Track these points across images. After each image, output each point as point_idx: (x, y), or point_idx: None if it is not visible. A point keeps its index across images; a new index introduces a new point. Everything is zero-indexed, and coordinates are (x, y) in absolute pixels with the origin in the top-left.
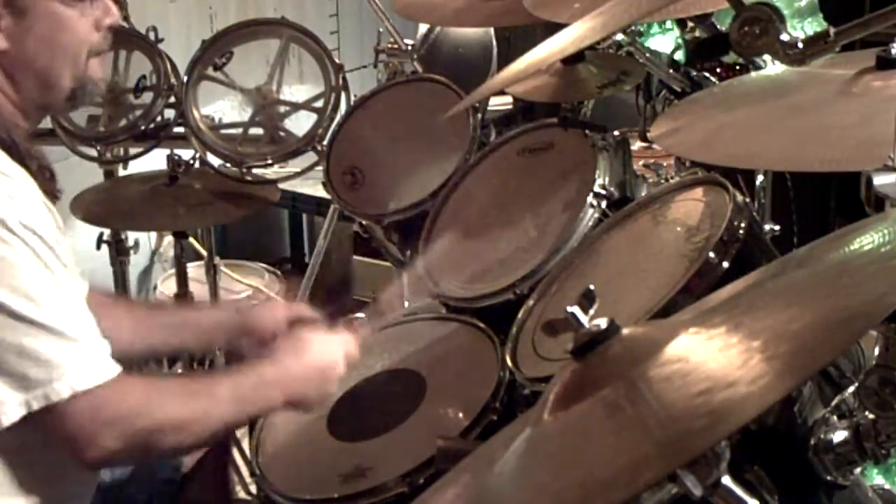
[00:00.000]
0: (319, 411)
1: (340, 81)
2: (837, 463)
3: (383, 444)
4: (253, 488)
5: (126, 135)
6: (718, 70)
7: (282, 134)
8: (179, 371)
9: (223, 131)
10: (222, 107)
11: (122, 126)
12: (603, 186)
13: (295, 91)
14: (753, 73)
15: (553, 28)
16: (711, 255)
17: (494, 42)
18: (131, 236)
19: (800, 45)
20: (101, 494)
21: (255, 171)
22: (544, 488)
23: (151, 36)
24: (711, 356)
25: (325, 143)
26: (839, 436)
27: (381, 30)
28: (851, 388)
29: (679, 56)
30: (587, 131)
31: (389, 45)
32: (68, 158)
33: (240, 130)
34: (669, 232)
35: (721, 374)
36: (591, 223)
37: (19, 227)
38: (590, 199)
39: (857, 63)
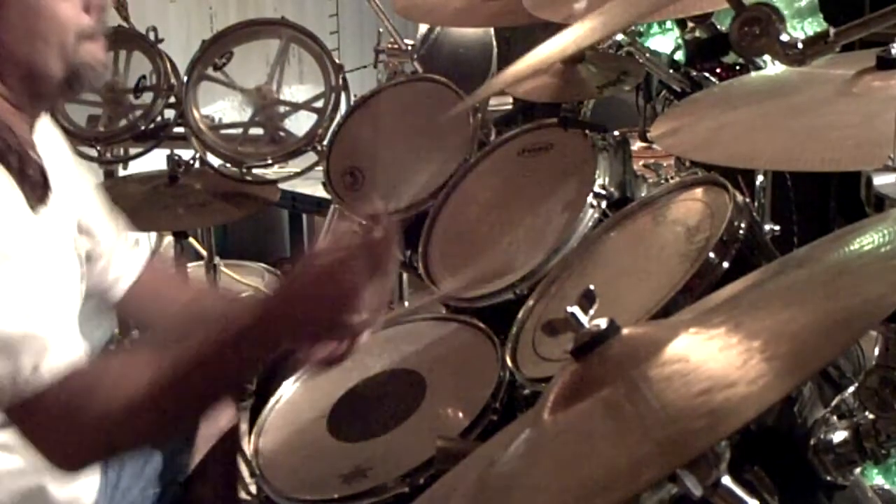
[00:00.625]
0: (320, 412)
1: (340, 81)
2: (837, 463)
3: (383, 444)
4: (253, 488)
5: (126, 135)
6: (718, 70)
7: (282, 134)
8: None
9: (223, 131)
10: (222, 107)
11: (122, 126)
12: (603, 186)
13: (295, 91)
14: (753, 73)
15: (553, 28)
16: (711, 255)
17: (494, 42)
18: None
19: (800, 45)
20: (106, 494)
21: (255, 171)
22: (544, 488)
23: (151, 36)
24: (711, 356)
25: (325, 143)
26: (839, 436)
27: (381, 30)
28: (851, 388)
29: (679, 56)
30: (587, 131)
31: (389, 45)
32: None
33: (240, 130)
34: (669, 232)
35: (721, 374)
36: (591, 223)
37: None
38: (590, 199)
39: (857, 63)
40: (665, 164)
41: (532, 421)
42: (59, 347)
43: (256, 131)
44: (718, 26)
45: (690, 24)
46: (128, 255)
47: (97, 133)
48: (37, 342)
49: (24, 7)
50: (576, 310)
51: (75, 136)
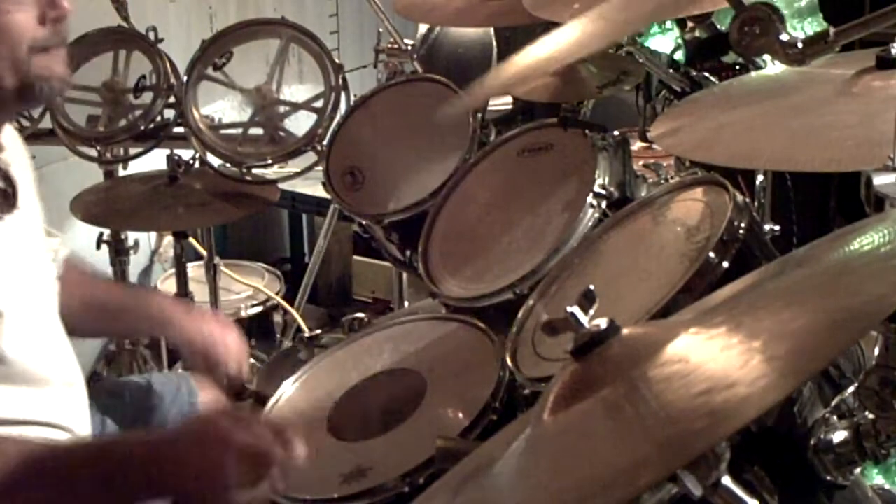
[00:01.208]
0: (320, 411)
1: (340, 81)
2: (837, 463)
3: (383, 444)
4: None
5: (126, 135)
6: (719, 70)
7: (282, 134)
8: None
9: (223, 131)
10: (222, 107)
11: (122, 126)
12: (603, 186)
13: (295, 91)
14: (753, 73)
15: (553, 28)
16: (711, 254)
17: (494, 42)
18: (131, 236)
19: (800, 45)
20: None
21: (255, 171)
22: (544, 488)
23: (151, 36)
24: (712, 356)
25: (324, 143)
26: (839, 436)
27: (381, 30)
28: (851, 388)
29: (679, 56)
30: (587, 131)
31: (389, 45)
32: (68, 158)
33: (240, 130)
34: (669, 232)
35: (721, 374)
36: (591, 223)
37: None
38: (590, 199)
39: (857, 63)
40: (665, 164)
41: (532, 421)
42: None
43: (256, 131)
44: (718, 26)
45: (690, 24)
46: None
47: (97, 133)
48: None
49: None
50: (576, 310)
51: (75, 136)
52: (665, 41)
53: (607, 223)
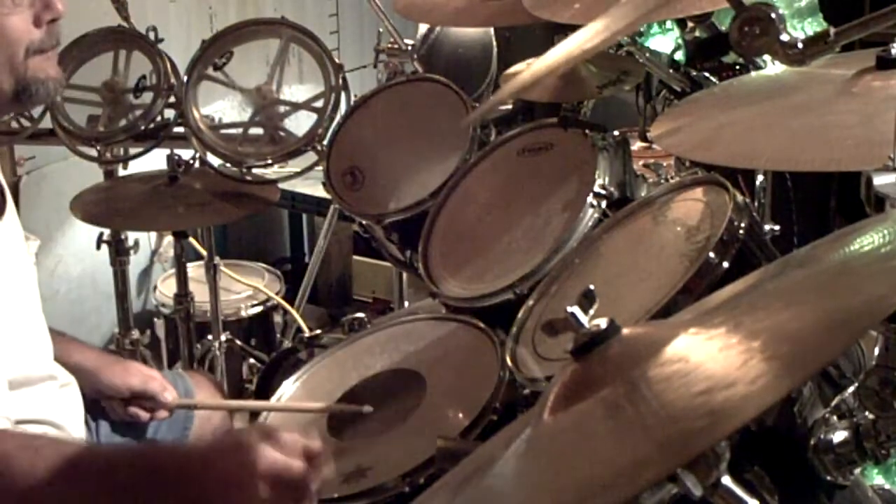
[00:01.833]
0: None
1: (340, 81)
2: (837, 463)
3: (383, 444)
4: None
5: (126, 135)
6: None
7: (282, 134)
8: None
9: (223, 131)
10: (222, 107)
11: (122, 126)
12: (603, 186)
13: (295, 91)
14: (753, 73)
15: (553, 28)
16: (711, 255)
17: (494, 42)
18: (131, 236)
19: (800, 45)
20: None
21: (255, 171)
22: (544, 488)
23: (151, 36)
24: (711, 356)
25: (324, 143)
26: (839, 436)
27: (381, 30)
28: (851, 388)
29: (679, 56)
30: (587, 131)
31: (389, 45)
32: (68, 158)
33: (240, 130)
34: (669, 232)
35: (721, 374)
36: (590, 223)
37: None
38: (590, 199)
39: (857, 63)
40: (665, 164)
41: (532, 421)
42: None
43: (256, 131)
44: (718, 26)
45: (690, 24)
46: None
47: (97, 133)
48: None
49: None
50: (576, 310)
51: (75, 136)
52: (665, 41)
53: (607, 223)
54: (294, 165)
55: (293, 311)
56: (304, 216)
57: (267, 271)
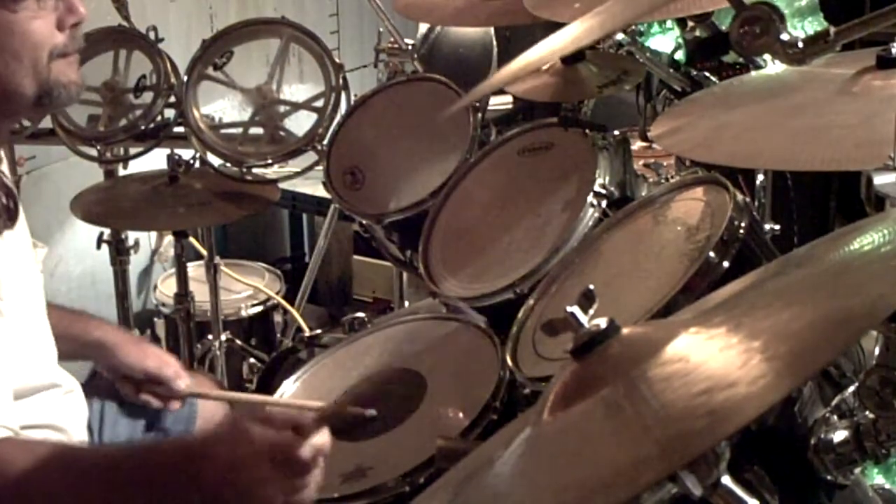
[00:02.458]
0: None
1: (340, 81)
2: (837, 463)
3: (383, 444)
4: None
5: (126, 134)
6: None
7: (282, 134)
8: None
9: (223, 131)
10: (222, 106)
11: (122, 126)
12: (603, 186)
13: (295, 91)
14: (753, 73)
15: (553, 28)
16: (712, 254)
17: (494, 42)
18: (131, 236)
19: (800, 44)
20: None
21: (255, 170)
22: (544, 488)
23: (151, 36)
24: (711, 356)
25: (325, 142)
26: (839, 435)
27: (381, 29)
28: (851, 388)
29: (679, 56)
30: (587, 131)
31: (389, 45)
32: (68, 158)
33: (240, 130)
34: (670, 231)
35: (721, 374)
36: (591, 223)
37: None
38: (590, 198)
39: (857, 63)
40: (665, 164)
41: (532, 421)
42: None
43: (256, 131)
44: (718, 26)
45: (691, 24)
46: None
47: (97, 133)
48: None
49: None
50: (576, 309)
51: (76, 136)
52: (665, 41)
53: (607, 223)
54: (294, 165)
55: (293, 311)
56: (304, 216)
57: (267, 271)
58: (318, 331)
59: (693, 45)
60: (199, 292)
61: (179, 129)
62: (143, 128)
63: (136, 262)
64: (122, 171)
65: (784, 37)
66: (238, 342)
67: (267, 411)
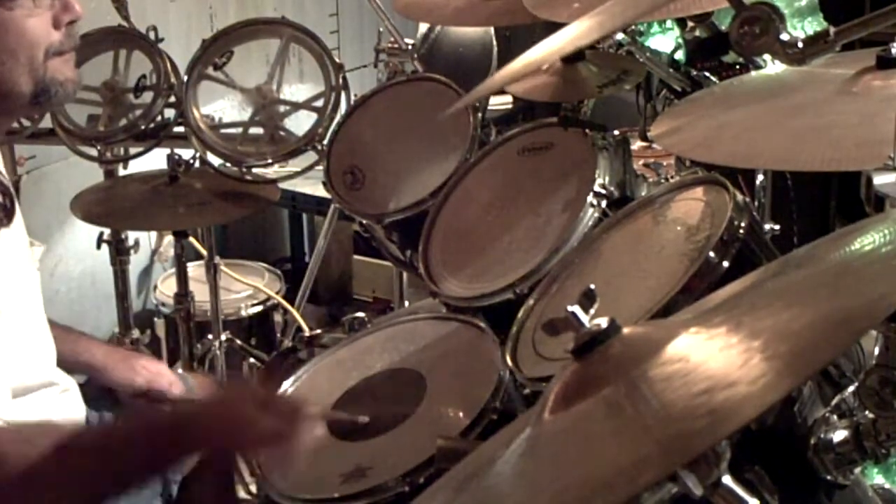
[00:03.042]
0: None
1: (340, 81)
2: (837, 462)
3: (383, 443)
4: (253, 488)
5: (126, 134)
6: (719, 70)
7: (282, 133)
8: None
9: (223, 131)
10: (222, 106)
11: (122, 126)
12: (603, 186)
13: (295, 90)
14: (753, 73)
15: (553, 28)
16: (712, 254)
17: (494, 42)
18: (131, 236)
19: (800, 44)
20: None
21: (255, 170)
22: (544, 488)
23: (151, 36)
24: (712, 356)
25: (325, 142)
26: (839, 435)
27: (381, 29)
28: (851, 388)
29: (679, 56)
30: (587, 131)
31: (389, 45)
32: (68, 158)
33: (240, 130)
34: (670, 231)
35: (721, 373)
36: (591, 222)
37: None
38: (590, 198)
39: (857, 63)
40: (665, 164)
41: (532, 421)
42: None
43: (256, 131)
44: (718, 26)
45: (690, 24)
46: None
47: (97, 133)
48: None
49: None
50: (576, 309)
51: (75, 136)
52: (665, 41)
53: (607, 223)
54: (294, 165)
55: (293, 311)
56: (304, 216)
57: (267, 271)
58: (318, 331)
59: (693, 45)
60: (199, 292)
61: (179, 129)
62: (143, 128)
63: (136, 262)
64: (122, 171)
65: (784, 37)
66: (238, 342)
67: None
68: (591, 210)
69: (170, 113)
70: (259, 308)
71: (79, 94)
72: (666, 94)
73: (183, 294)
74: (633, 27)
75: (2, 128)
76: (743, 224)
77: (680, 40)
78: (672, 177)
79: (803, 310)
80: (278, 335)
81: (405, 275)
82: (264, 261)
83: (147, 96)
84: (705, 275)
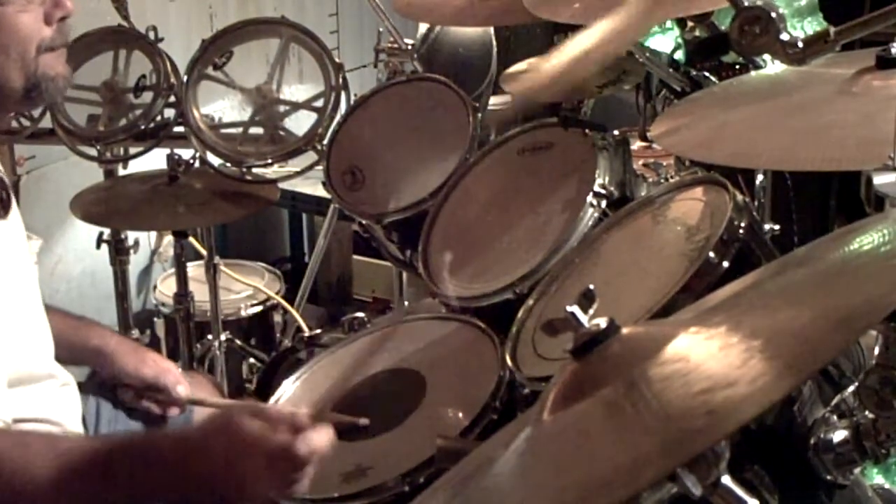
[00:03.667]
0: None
1: (340, 81)
2: (837, 462)
3: (383, 443)
4: None
5: (126, 134)
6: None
7: (282, 133)
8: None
9: (223, 131)
10: (222, 106)
11: (122, 125)
12: (603, 186)
13: (295, 90)
14: (753, 73)
15: (553, 27)
16: (711, 254)
17: (494, 42)
18: (131, 236)
19: (800, 44)
20: None
21: (255, 170)
22: (544, 488)
23: (151, 36)
24: (711, 356)
25: (324, 142)
26: (839, 435)
27: (381, 29)
28: (851, 388)
29: (679, 56)
30: (587, 131)
31: (389, 45)
32: (68, 158)
33: (240, 130)
34: (669, 231)
35: (721, 373)
36: (590, 222)
37: None
38: (590, 198)
39: (857, 63)
40: (665, 164)
41: (532, 420)
42: None
43: (256, 131)
44: (718, 26)
45: (690, 24)
46: None
47: (97, 133)
48: None
49: None
50: (576, 309)
51: (75, 136)
52: (665, 41)
53: (607, 223)
54: (294, 165)
55: (293, 311)
56: (304, 216)
57: (267, 271)
58: (318, 331)
59: (693, 45)
60: (199, 292)
61: (179, 129)
62: (142, 127)
63: (136, 262)
64: (121, 171)
65: (784, 37)
66: (238, 342)
67: (261, 407)
68: (590, 210)
69: (170, 113)
70: (259, 308)
71: (79, 94)
72: (666, 94)
73: (183, 294)
74: None
75: None
76: (743, 224)
77: (680, 40)
78: (672, 177)
79: (803, 309)
80: (278, 335)
81: (405, 275)
82: (264, 261)
83: (147, 96)
84: (705, 275)
